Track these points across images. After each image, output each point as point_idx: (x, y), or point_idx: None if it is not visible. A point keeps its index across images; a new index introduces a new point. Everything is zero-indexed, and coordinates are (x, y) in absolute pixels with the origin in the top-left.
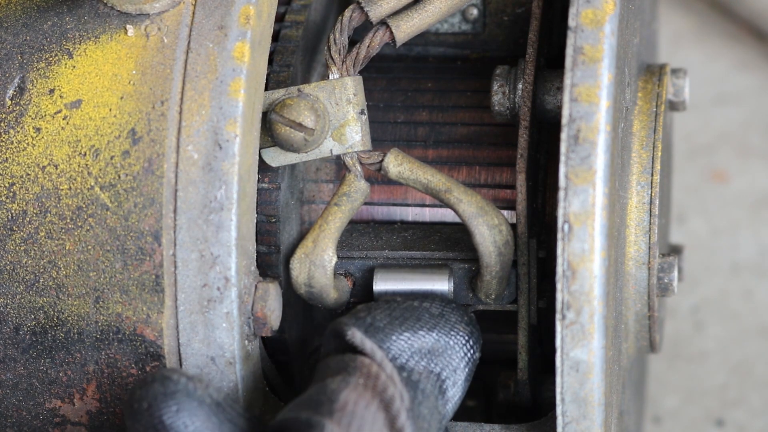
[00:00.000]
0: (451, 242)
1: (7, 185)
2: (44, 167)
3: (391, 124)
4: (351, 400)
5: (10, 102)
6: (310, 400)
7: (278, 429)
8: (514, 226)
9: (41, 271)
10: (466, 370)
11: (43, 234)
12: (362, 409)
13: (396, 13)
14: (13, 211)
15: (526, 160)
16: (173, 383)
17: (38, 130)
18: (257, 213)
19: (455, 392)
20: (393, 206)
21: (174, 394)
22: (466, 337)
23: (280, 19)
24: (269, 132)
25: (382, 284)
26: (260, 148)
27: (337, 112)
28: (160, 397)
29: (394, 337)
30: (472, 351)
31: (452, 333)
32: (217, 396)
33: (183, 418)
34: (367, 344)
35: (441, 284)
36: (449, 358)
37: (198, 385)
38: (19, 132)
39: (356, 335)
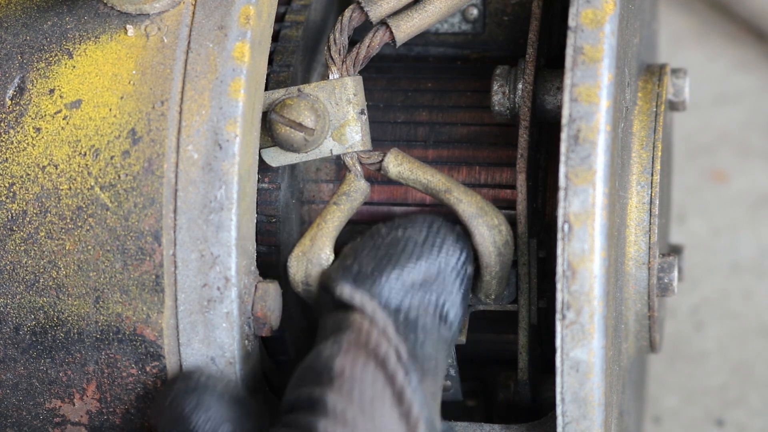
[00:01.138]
0: None
1: (7, 185)
2: (44, 167)
3: (391, 124)
4: (347, 365)
5: (10, 102)
6: (308, 372)
7: (286, 412)
8: (514, 226)
9: (41, 271)
10: (462, 288)
11: (43, 234)
12: (360, 371)
13: (396, 13)
14: (13, 211)
15: (526, 160)
16: (194, 380)
17: (38, 130)
18: (257, 213)
19: (456, 313)
20: (393, 206)
21: (195, 389)
22: (457, 255)
23: (280, 19)
24: (269, 132)
25: None
26: (260, 148)
27: (337, 112)
28: (181, 393)
29: (383, 280)
30: (464, 268)
31: (441, 255)
32: (238, 392)
33: (202, 411)
34: (357, 298)
35: None
36: (443, 281)
37: (218, 381)
38: (19, 132)
39: (345, 291)
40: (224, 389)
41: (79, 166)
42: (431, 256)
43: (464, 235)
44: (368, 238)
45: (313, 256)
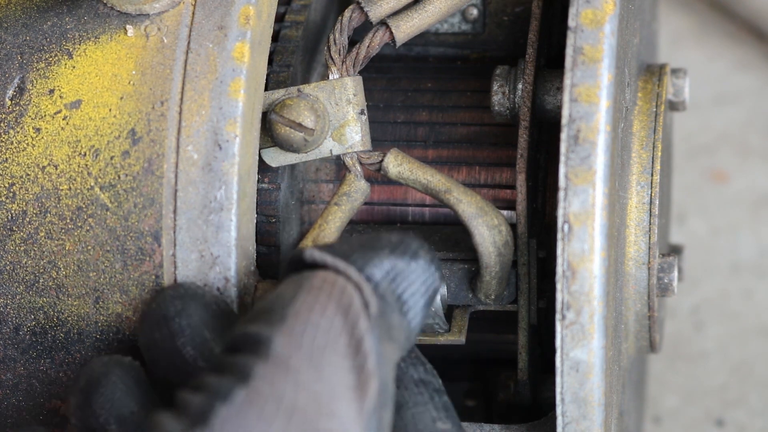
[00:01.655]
0: (451, 242)
1: (7, 185)
2: (44, 167)
3: (391, 124)
4: (305, 306)
5: (10, 102)
6: (263, 309)
7: (229, 348)
8: (514, 226)
9: (41, 271)
10: (426, 296)
11: (42, 234)
12: (317, 315)
13: (396, 13)
14: (13, 212)
15: (526, 160)
16: (182, 287)
17: (38, 130)
18: (257, 213)
19: (414, 316)
20: (393, 206)
21: (182, 296)
22: (428, 264)
23: (280, 19)
24: (269, 132)
25: None
26: (260, 148)
27: (337, 113)
28: (169, 298)
29: (356, 256)
30: (432, 279)
31: (414, 258)
32: (225, 305)
33: (185, 316)
34: (328, 258)
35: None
36: (410, 281)
37: (207, 292)
38: (19, 132)
39: (314, 253)
40: (212, 299)
41: (79, 166)
42: (404, 253)
43: (435, 253)
44: (343, 238)
45: None
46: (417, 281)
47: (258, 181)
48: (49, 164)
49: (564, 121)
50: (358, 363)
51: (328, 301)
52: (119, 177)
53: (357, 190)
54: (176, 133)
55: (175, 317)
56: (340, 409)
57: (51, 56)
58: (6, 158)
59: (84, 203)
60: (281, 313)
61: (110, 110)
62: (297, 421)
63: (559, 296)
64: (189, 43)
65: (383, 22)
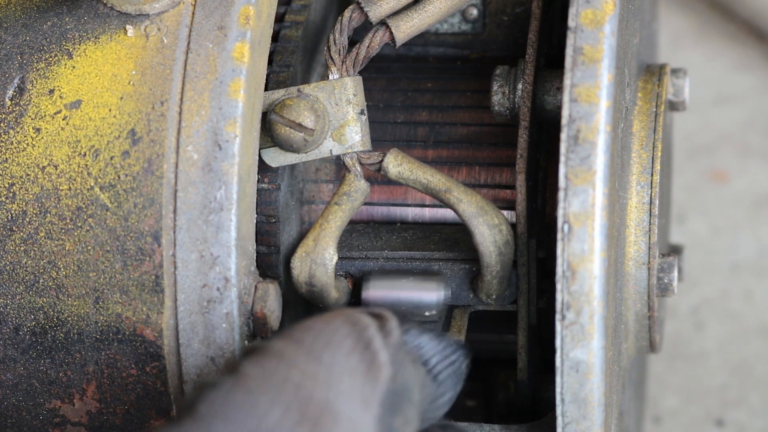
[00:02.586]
0: (451, 242)
1: (6, 185)
2: (44, 168)
3: (391, 124)
4: (310, 321)
5: (9, 102)
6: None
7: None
8: (514, 226)
9: (41, 271)
10: (452, 367)
11: (42, 234)
12: (321, 323)
13: (396, 13)
14: (12, 212)
15: (526, 160)
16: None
17: (38, 130)
18: (257, 213)
19: (442, 384)
20: (393, 206)
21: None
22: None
23: (279, 19)
24: (269, 132)
25: (373, 292)
26: (260, 149)
27: (337, 113)
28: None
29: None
30: (460, 357)
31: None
32: None
33: None
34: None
35: (434, 295)
36: (436, 352)
37: None
38: (18, 132)
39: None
40: None
41: (78, 166)
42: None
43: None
44: None
45: (316, 256)
46: (440, 354)
47: (258, 181)
48: (49, 164)
49: (564, 121)
50: (368, 357)
51: (336, 317)
52: (119, 177)
53: (357, 190)
54: (176, 134)
55: None
56: (342, 383)
57: (51, 56)
58: (6, 158)
59: (84, 203)
60: (288, 329)
61: (110, 110)
62: (289, 393)
63: (559, 296)
64: (189, 43)
65: (383, 22)
